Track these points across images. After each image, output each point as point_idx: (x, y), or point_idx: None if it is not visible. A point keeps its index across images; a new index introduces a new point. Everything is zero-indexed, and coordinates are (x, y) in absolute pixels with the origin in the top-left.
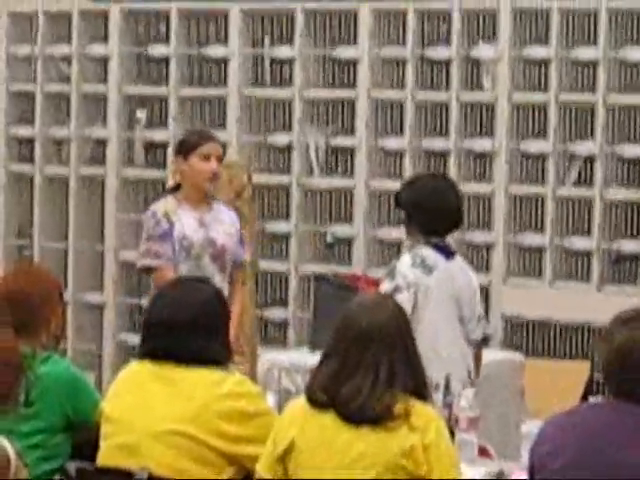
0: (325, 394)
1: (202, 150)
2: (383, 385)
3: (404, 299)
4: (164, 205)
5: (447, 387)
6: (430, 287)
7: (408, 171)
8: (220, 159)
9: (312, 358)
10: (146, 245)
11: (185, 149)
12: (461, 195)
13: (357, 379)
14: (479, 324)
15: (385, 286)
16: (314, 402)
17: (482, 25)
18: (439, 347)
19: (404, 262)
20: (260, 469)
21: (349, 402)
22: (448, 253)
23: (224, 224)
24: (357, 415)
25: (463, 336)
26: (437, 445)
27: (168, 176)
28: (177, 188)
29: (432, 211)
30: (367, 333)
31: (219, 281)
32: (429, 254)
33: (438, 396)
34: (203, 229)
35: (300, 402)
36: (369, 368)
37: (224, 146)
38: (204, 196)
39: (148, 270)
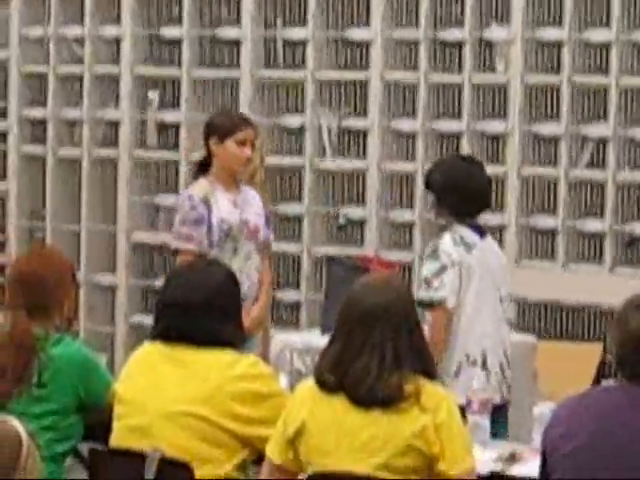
0: (333, 376)
1: (239, 136)
2: (390, 366)
3: (452, 277)
4: (201, 189)
5: (484, 363)
6: (472, 265)
7: (420, 153)
8: (253, 144)
9: (324, 339)
10: (179, 228)
11: (223, 132)
12: (489, 176)
13: (363, 360)
14: (511, 303)
15: (429, 267)
16: (323, 385)
17: (495, 7)
18: (479, 325)
19: (446, 241)
20: (270, 452)
21: (358, 384)
22: (481, 233)
23: (253, 205)
24: (367, 397)
25: (503, 317)
26: (449, 425)
27: (181, 157)
28: (205, 169)
29: (463, 193)
30: (372, 313)
31: (257, 261)
32: (467, 233)
33: (475, 371)
34: (238, 211)
35: (309, 384)
36: (375, 348)
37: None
38: (235, 179)
39: (176, 252)
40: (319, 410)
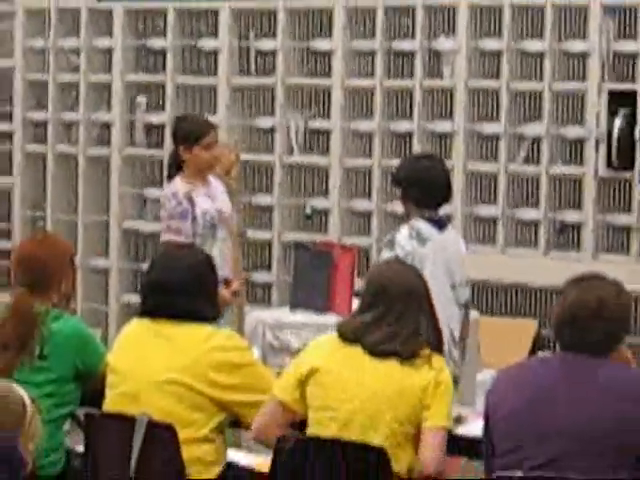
0: (354, 336)
1: (205, 141)
2: (410, 334)
3: None
4: (183, 186)
5: None
6: (424, 257)
7: (377, 151)
8: (216, 142)
9: (292, 316)
10: (168, 222)
11: (190, 140)
12: (449, 172)
13: (387, 329)
14: (466, 288)
15: (385, 255)
16: (344, 337)
17: (442, 20)
18: None
19: (402, 234)
20: (276, 390)
21: (377, 344)
22: (440, 225)
23: (222, 194)
24: (385, 351)
25: (452, 301)
26: (446, 386)
27: (165, 155)
28: (180, 167)
29: (425, 187)
30: (399, 294)
31: (229, 243)
32: (424, 227)
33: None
34: (211, 201)
35: (329, 336)
36: (399, 321)
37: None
38: (205, 176)
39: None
40: (337, 353)
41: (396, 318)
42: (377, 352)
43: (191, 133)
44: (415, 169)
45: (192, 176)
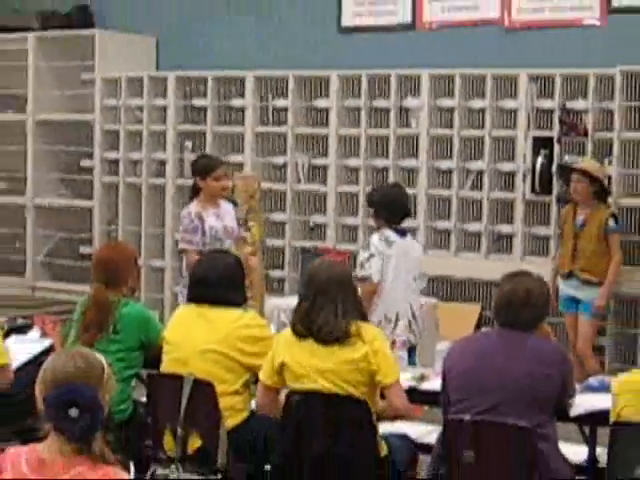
0: (302, 325)
1: (215, 174)
2: (341, 316)
3: (376, 262)
4: (194, 208)
5: (396, 320)
6: (390, 255)
7: (362, 180)
8: (227, 175)
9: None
10: (183, 235)
11: (203, 173)
12: (408, 197)
13: (323, 313)
14: (423, 280)
15: (363, 255)
16: (297, 333)
17: (410, 85)
18: (394, 295)
19: (375, 238)
20: (262, 378)
21: (321, 329)
22: (402, 233)
23: (230, 213)
24: (328, 338)
25: (412, 288)
26: (382, 350)
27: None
28: (197, 193)
29: (391, 208)
30: (328, 283)
31: (233, 251)
32: (390, 234)
33: (390, 326)
34: (220, 220)
35: (287, 332)
36: (330, 306)
37: (241, 165)
38: (216, 200)
39: (183, 251)
40: (294, 351)
41: (324, 303)
42: (321, 341)
43: (204, 167)
44: (384, 194)
45: (205, 200)
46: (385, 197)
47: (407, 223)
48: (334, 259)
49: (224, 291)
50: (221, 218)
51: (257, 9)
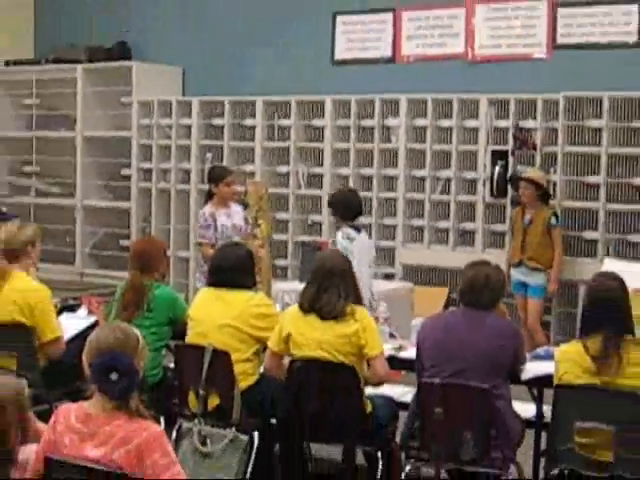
0: (308, 304)
1: (226, 181)
2: (343, 298)
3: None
4: (208, 209)
5: (370, 304)
6: (352, 249)
7: (352, 186)
8: (237, 182)
9: (299, 286)
10: (199, 231)
11: (216, 180)
12: (361, 198)
13: (327, 295)
14: (372, 267)
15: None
16: (303, 309)
17: (390, 108)
18: (360, 282)
19: (339, 237)
20: (271, 345)
21: (323, 307)
22: (358, 230)
23: (239, 214)
24: (328, 315)
25: (370, 274)
26: (371, 328)
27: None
28: (211, 197)
29: (346, 208)
30: (332, 270)
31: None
32: (350, 231)
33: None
34: (230, 219)
35: (294, 308)
36: (334, 289)
37: (252, 173)
38: (227, 203)
39: (199, 244)
40: (299, 324)
41: (328, 287)
42: (322, 317)
43: (218, 176)
44: (340, 197)
45: (218, 203)
46: (341, 199)
47: (389, 221)
48: (333, 251)
49: (237, 276)
50: (231, 217)
51: (265, 45)
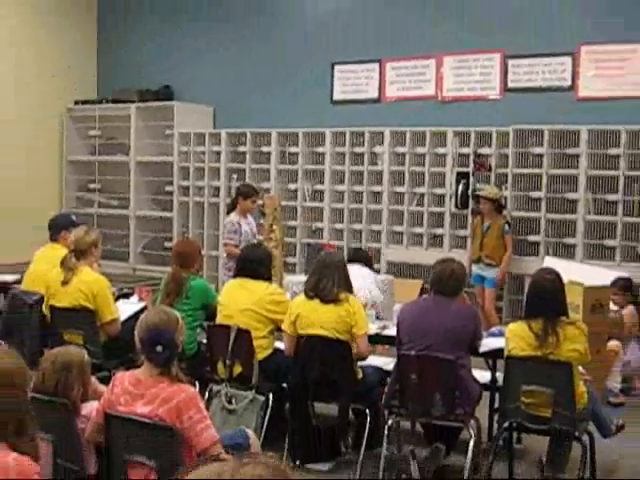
0: (311, 291)
1: (252, 198)
2: (337, 286)
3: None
4: (234, 217)
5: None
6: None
7: (346, 201)
8: (257, 199)
9: (305, 278)
10: (227, 234)
11: (244, 195)
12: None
13: (324, 283)
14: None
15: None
16: (307, 296)
17: (377, 138)
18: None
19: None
20: (284, 327)
21: (322, 292)
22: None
23: (252, 223)
24: (327, 299)
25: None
26: (359, 312)
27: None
28: (233, 207)
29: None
30: (327, 265)
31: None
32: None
33: (373, 310)
34: (249, 226)
35: (301, 296)
36: (330, 279)
37: (269, 189)
38: (246, 214)
39: (225, 244)
40: (305, 307)
41: (325, 276)
42: (323, 301)
43: (246, 193)
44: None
45: (240, 213)
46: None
47: (375, 228)
48: (331, 250)
49: (258, 269)
50: (249, 225)
51: (278, 88)
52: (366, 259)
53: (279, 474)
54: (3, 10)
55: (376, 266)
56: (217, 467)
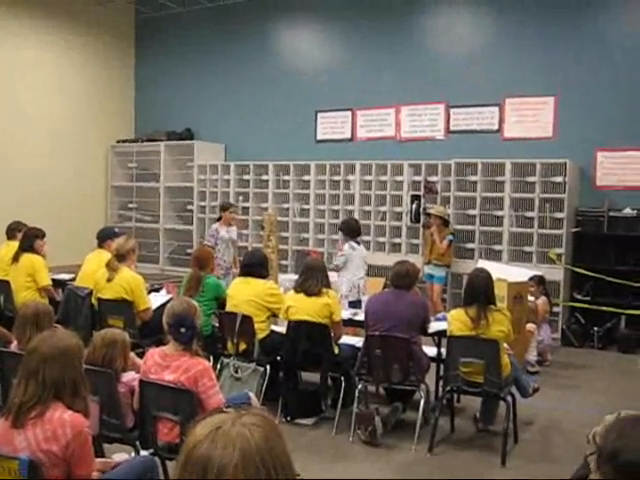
0: (299, 286)
1: (229, 210)
2: (319, 284)
3: (343, 259)
4: (216, 225)
5: (358, 288)
6: (354, 256)
7: (327, 217)
8: (235, 212)
9: (295, 277)
10: (207, 237)
11: (223, 208)
12: (359, 223)
13: (309, 282)
14: (365, 266)
15: (340, 259)
16: (296, 290)
17: (349, 169)
18: (356, 276)
19: (346, 247)
20: (281, 316)
21: (308, 289)
22: (358, 243)
23: (234, 232)
24: (310, 293)
25: (364, 273)
26: (335, 303)
27: (250, 218)
28: (220, 219)
29: (351, 230)
30: (311, 267)
31: (232, 251)
32: (354, 244)
33: (354, 291)
34: (229, 234)
35: (291, 292)
36: (314, 278)
37: (267, 208)
38: (229, 224)
39: (202, 243)
40: (294, 299)
41: (310, 276)
42: (308, 294)
43: (222, 206)
44: (346, 222)
45: (224, 223)
46: (347, 223)
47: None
48: (315, 256)
49: (257, 269)
50: (229, 234)
51: (274, 130)
52: (353, 230)
53: (269, 422)
54: (59, 70)
55: None
56: (221, 416)
